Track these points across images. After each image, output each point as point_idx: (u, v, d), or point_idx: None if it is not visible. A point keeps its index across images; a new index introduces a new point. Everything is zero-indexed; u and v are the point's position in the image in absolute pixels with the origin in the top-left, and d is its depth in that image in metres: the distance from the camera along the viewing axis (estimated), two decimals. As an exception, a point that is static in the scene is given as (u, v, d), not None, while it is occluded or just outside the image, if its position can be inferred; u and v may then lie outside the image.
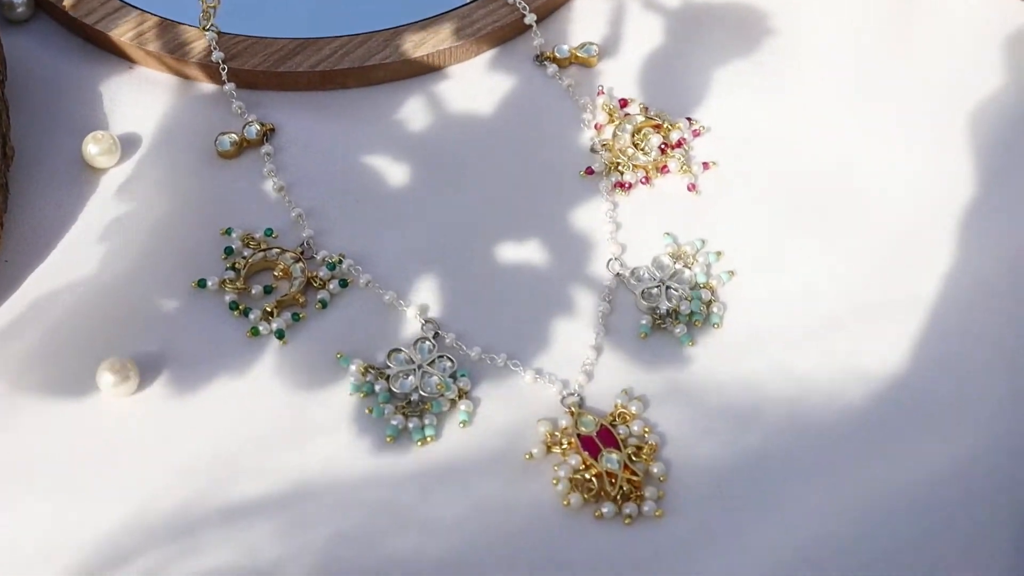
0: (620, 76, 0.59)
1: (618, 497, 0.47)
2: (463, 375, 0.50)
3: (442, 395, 0.49)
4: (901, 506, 0.47)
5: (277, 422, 0.48)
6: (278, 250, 0.52)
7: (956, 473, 0.48)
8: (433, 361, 0.50)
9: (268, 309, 0.51)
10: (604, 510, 0.47)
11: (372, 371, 0.50)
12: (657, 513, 0.47)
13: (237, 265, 0.52)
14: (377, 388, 0.49)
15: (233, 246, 0.53)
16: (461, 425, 0.49)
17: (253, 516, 0.46)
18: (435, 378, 0.49)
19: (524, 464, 0.48)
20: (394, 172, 0.56)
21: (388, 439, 0.48)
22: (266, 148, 0.56)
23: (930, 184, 0.56)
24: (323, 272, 0.52)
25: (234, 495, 0.47)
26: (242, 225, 0.54)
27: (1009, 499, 0.47)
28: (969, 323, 0.52)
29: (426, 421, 0.49)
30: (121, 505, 0.46)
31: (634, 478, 0.48)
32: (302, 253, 0.53)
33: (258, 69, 0.57)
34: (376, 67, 0.57)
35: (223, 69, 0.57)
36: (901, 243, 0.54)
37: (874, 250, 0.54)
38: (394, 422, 0.48)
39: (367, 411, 0.49)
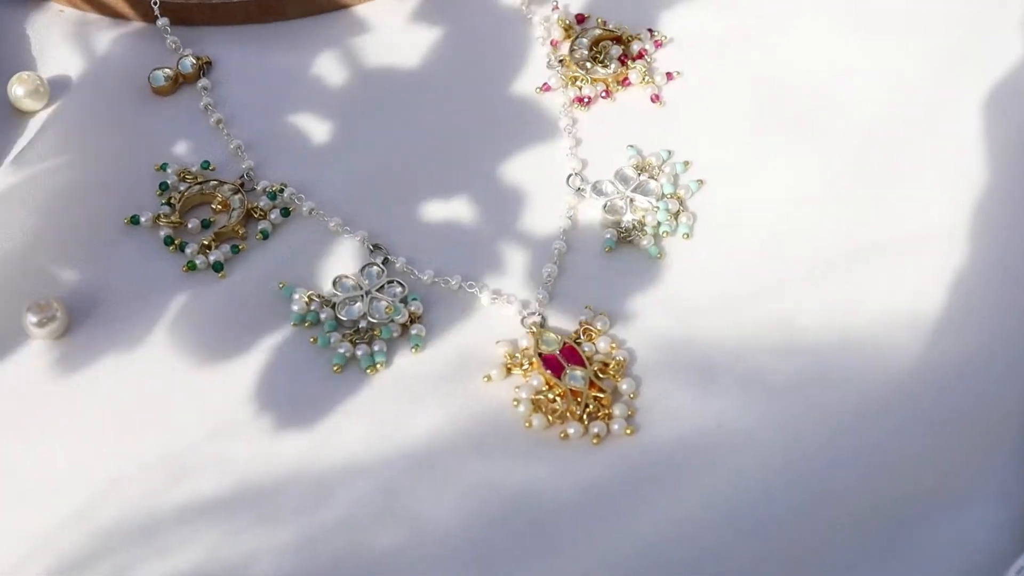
0: (576, -8, 0.56)
1: (584, 416, 0.43)
2: (414, 299, 0.46)
3: (392, 320, 0.45)
4: (895, 417, 0.43)
5: (217, 357, 0.45)
6: (216, 182, 0.49)
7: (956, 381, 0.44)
8: (382, 287, 0.47)
9: (205, 243, 0.48)
10: (570, 431, 0.43)
11: (317, 299, 0.46)
12: (627, 431, 0.43)
13: (172, 200, 0.49)
14: (323, 316, 0.46)
15: (168, 181, 0.49)
16: (413, 350, 0.45)
17: (194, 459, 0.43)
18: (383, 302, 0.46)
19: (482, 388, 0.44)
20: (339, 99, 0.52)
21: (335, 369, 0.45)
22: (203, 82, 0.53)
23: (910, 87, 0.52)
24: (263, 202, 0.49)
25: (179, 441, 0.43)
26: (179, 161, 0.50)
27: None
28: (961, 227, 0.48)
29: (375, 348, 0.45)
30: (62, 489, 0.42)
31: (601, 395, 0.44)
32: (242, 184, 0.49)
33: (192, 2, 0.54)
34: (317, -6, 0.54)
35: (155, 3, 0.54)
36: (883, 148, 0.50)
37: (851, 155, 0.50)
38: (341, 350, 0.45)
39: (311, 340, 0.45)
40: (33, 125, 0.51)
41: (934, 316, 0.45)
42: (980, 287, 0.46)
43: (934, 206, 0.48)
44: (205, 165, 0.50)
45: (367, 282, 0.47)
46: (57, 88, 0.52)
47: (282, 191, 0.49)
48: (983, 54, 0.52)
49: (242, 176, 0.50)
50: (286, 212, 0.49)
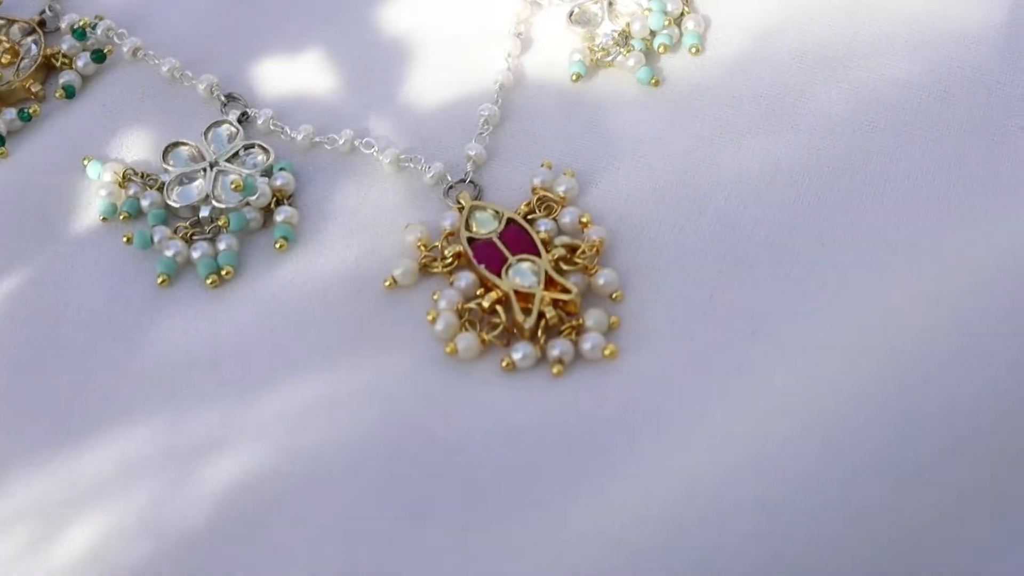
0: None
1: (539, 332, 0.28)
2: (283, 169, 0.31)
3: (247, 203, 0.30)
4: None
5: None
6: (1, 22, 0.34)
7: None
8: (236, 154, 0.31)
9: (-20, 108, 0.33)
10: (516, 356, 0.28)
11: (137, 179, 0.31)
12: (607, 352, 0.28)
13: (-69, 52, 0.35)
14: (145, 203, 0.31)
15: (-72, 25, 0.35)
16: (278, 247, 0.31)
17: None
18: (232, 177, 0.30)
19: (383, 297, 0.30)
20: None
21: (161, 280, 0.30)
22: None
23: None
24: (68, 45, 0.35)
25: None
26: (-49, -4, 0.36)
27: None
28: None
29: (221, 247, 0.31)
30: None
31: (565, 298, 0.28)
32: (40, 23, 0.35)
33: None
34: None
35: None
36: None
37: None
38: (169, 252, 0.31)
39: (125, 240, 0.30)
40: None
41: None
42: None
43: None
44: (-16, -2, 0.36)
45: (214, 148, 0.31)
46: None
47: (95, 27, 0.35)
48: None
49: (42, 11, 0.35)
50: (100, 56, 0.35)
